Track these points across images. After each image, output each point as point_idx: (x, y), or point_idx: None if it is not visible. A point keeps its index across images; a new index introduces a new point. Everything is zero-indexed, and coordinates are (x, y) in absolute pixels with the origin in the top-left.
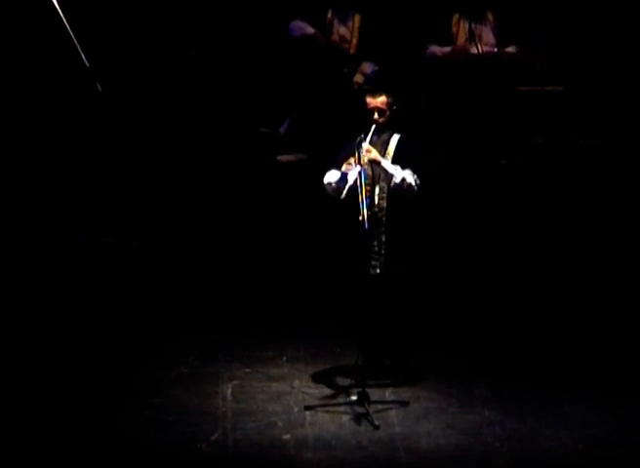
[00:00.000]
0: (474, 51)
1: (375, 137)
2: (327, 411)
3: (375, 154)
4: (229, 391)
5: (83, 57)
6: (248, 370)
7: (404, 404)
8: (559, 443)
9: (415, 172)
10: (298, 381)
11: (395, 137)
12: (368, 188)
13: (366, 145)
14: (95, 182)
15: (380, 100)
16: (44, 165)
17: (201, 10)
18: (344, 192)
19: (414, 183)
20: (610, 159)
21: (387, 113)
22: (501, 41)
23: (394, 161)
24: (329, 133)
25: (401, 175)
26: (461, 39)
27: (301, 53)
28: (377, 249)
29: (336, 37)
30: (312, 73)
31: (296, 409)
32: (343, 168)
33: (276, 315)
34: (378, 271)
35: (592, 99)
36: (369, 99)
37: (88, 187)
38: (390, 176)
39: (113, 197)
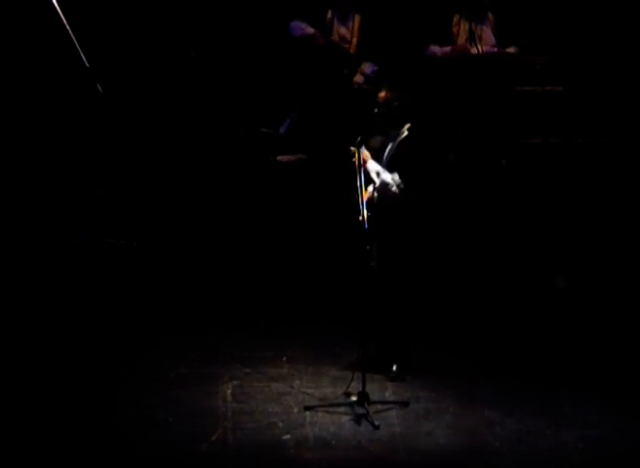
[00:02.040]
0: (474, 51)
1: (388, 132)
2: (327, 412)
3: (364, 155)
4: (229, 391)
5: (83, 57)
6: (248, 370)
7: (404, 404)
8: (559, 443)
9: (406, 172)
10: (298, 381)
11: (404, 134)
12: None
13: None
14: (95, 182)
15: (380, 95)
16: (44, 165)
17: (201, 10)
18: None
19: (395, 188)
20: (610, 159)
21: (384, 108)
22: (501, 41)
23: (395, 156)
24: (329, 133)
25: (381, 179)
26: (462, 39)
27: (301, 52)
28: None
29: (336, 37)
30: (312, 73)
31: (296, 410)
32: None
33: (276, 315)
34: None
35: (592, 99)
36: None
37: (88, 187)
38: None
39: (113, 197)
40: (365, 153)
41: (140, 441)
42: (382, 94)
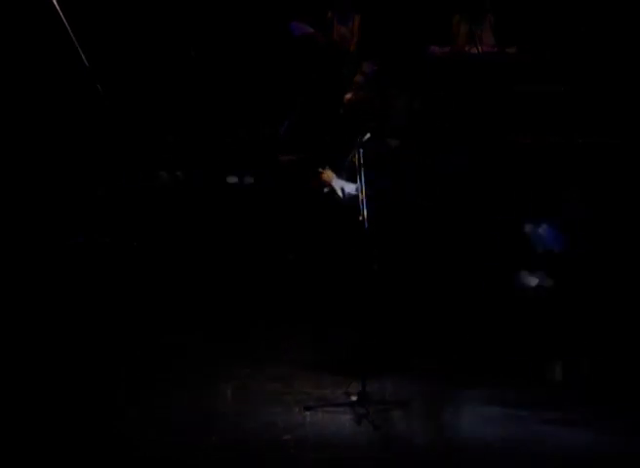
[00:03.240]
0: (474, 51)
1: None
2: (327, 412)
3: (325, 177)
4: (229, 391)
5: (83, 56)
6: (248, 370)
7: (404, 404)
8: (560, 443)
9: (400, 171)
10: (297, 381)
11: (365, 138)
12: None
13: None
14: (95, 182)
15: (346, 97)
16: (44, 165)
17: (201, 10)
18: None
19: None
20: (610, 159)
21: (349, 109)
22: (502, 41)
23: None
24: (328, 132)
25: (347, 193)
26: (462, 40)
27: (302, 52)
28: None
29: (336, 37)
30: (312, 73)
31: (296, 410)
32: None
33: (276, 315)
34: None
35: (592, 99)
36: None
37: (88, 187)
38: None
39: (113, 197)
40: (329, 174)
41: (139, 441)
42: (348, 95)
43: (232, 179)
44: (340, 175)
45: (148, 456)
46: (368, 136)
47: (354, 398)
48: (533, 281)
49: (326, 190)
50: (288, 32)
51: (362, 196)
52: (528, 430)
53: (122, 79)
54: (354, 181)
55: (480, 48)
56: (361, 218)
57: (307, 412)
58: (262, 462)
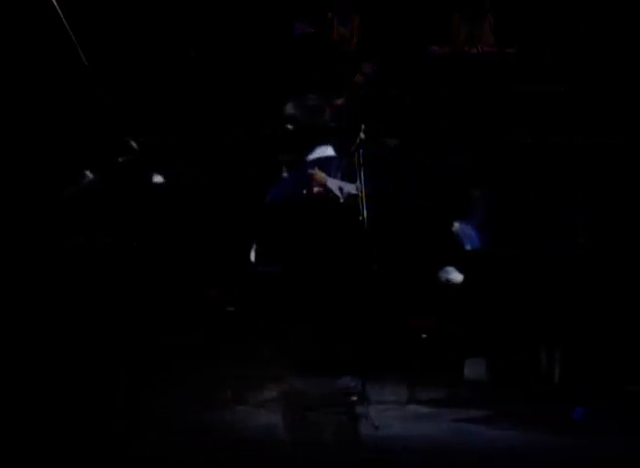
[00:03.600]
0: (474, 51)
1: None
2: (327, 412)
3: (318, 178)
4: (229, 391)
5: (82, 56)
6: (248, 370)
7: (404, 404)
8: (560, 443)
9: (399, 171)
10: (298, 381)
11: (360, 138)
12: None
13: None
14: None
15: (338, 102)
16: (44, 165)
17: (201, 10)
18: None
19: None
20: (610, 159)
21: (340, 113)
22: (502, 42)
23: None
24: (328, 133)
25: (345, 192)
26: (462, 40)
27: (302, 52)
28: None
29: (336, 37)
30: (312, 73)
31: (296, 410)
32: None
33: (276, 314)
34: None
35: (592, 99)
36: None
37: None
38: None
39: (113, 197)
40: (321, 175)
41: (140, 441)
42: (340, 101)
43: (157, 178)
44: (334, 176)
45: (148, 456)
46: (362, 136)
47: (354, 398)
48: (458, 277)
49: (316, 190)
50: (288, 32)
51: (362, 196)
52: (528, 429)
53: (122, 78)
54: (353, 181)
55: (480, 48)
56: (361, 218)
57: (307, 412)
58: (262, 462)
